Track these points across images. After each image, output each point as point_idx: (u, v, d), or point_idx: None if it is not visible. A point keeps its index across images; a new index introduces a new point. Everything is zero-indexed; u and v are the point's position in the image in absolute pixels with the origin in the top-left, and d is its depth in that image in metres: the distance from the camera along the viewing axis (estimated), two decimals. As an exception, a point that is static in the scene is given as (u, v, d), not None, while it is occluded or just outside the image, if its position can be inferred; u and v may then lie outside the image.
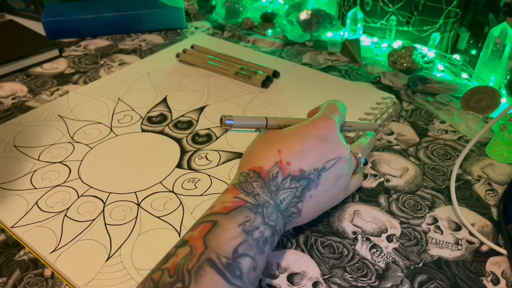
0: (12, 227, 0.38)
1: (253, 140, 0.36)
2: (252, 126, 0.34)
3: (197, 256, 0.26)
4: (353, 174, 0.39)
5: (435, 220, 0.39)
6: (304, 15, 0.71)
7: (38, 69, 0.64)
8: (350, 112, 0.42)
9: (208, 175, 0.43)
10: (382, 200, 0.41)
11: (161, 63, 0.64)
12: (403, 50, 0.62)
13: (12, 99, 0.57)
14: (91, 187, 0.42)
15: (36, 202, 0.40)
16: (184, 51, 0.65)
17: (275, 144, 0.33)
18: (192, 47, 0.66)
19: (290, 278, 0.34)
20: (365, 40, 0.70)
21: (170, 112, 0.53)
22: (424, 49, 0.64)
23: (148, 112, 0.53)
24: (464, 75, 0.60)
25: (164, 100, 0.55)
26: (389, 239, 0.37)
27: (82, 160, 0.45)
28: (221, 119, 0.32)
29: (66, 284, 0.34)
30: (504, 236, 0.37)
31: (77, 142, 0.48)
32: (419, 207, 0.41)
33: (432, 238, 0.37)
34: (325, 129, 0.34)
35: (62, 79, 0.62)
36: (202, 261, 0.25)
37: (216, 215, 0.28)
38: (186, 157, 0.46)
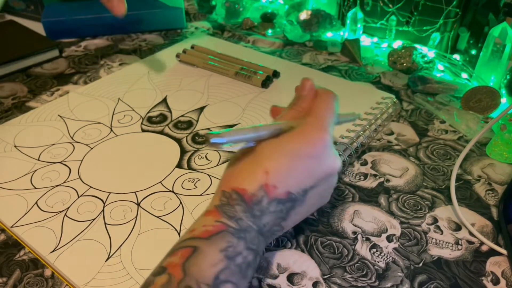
0: (12, 226, 0.38)
1: (238, 150, 0.32)
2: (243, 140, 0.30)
3: (175, 285, 0.24)
4: None
5: (435, 220, 0.39)
6: (304, 15, 0.71)
7: (38, 69, 0.64)
8: (350, 112, 0.42)
9: (208, 175, 0.43)
10: (382, 200, 0.41)
11: (161, 63, 0.64)
12: (403, 50, 0.62)
13: (12, 99, 0.57)
14: (91, 187, 0.42)
15: (36, 202, 0.40)
16: (184, 51, 0.65)
17: (262, 162, 0.30)
18: (192, 47, 0.66)
19: (290, 278, 0.34)
20: (365, 40, 0.70)
21: (170, 112, 0.53)
22: (424, 49, 0.64)
23: (148, 112, 0.53)
24: (464, 75, 0.60)
25: (164, 100, 0.55)
26: (389, 239, 0.37)
27: (82, 160, 0.45)
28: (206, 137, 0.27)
29: (66, 284, 0.34)
30: (504, 236, 0.37)
31: (77, 142, 0.48)
32: (419, 207, 0.40)
33: (432, 238, 0.37)
34: (319, 146, 0.30)
35: (62, 79, 0.62)
36: None
37: (197, 240, 0.27)
38: (186, 157, 0.46)
